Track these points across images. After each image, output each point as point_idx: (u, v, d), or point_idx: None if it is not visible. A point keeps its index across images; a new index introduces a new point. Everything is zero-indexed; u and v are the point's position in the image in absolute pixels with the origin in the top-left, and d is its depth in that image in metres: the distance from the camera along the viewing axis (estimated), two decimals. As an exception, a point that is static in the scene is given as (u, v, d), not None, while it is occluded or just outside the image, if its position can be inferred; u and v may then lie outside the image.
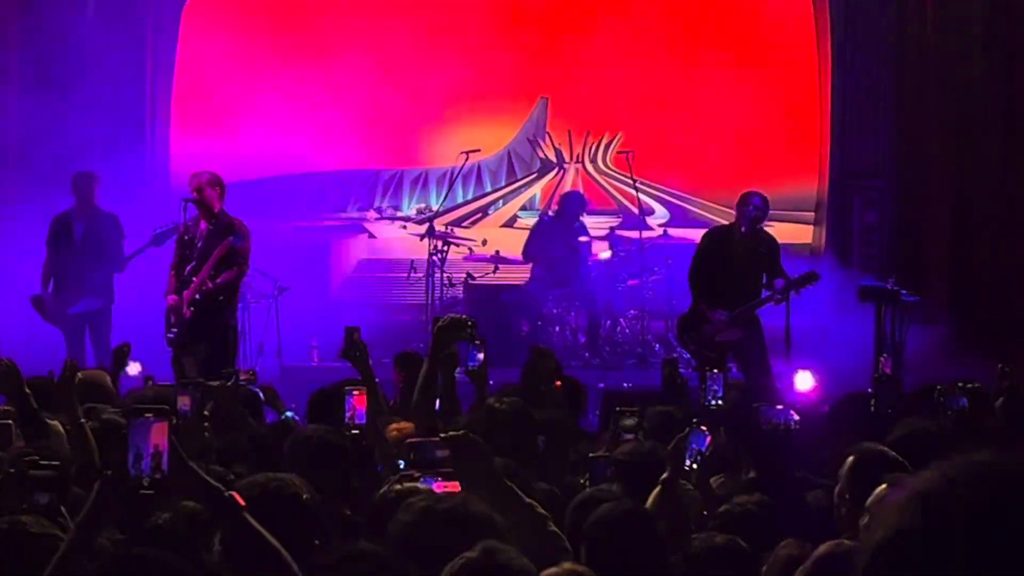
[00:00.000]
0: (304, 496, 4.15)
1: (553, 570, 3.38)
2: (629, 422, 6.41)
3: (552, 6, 15.54)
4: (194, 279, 10.65)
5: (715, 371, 7.61)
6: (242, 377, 8.42)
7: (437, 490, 4.33)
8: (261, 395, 8.44)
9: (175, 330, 10.70)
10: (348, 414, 6.10)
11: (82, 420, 6.10)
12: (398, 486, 4.27)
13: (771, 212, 11.72)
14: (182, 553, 3.82)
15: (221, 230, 10.73)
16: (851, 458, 4.87)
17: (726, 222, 12.31)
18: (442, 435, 4.59)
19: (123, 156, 13.46)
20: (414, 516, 3.68)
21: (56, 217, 12.29)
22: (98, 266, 12.01)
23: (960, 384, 7.26)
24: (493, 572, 3.11)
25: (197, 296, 10.63)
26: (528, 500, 4.40)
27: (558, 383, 8.23)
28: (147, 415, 3.54)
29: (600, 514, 4.32)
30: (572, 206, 13.81)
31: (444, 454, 4.39)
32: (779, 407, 5.54)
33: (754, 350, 10.79)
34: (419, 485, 4.27)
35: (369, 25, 15.33)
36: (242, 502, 3.72)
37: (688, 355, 11.70)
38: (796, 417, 5.51)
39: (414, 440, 4.64)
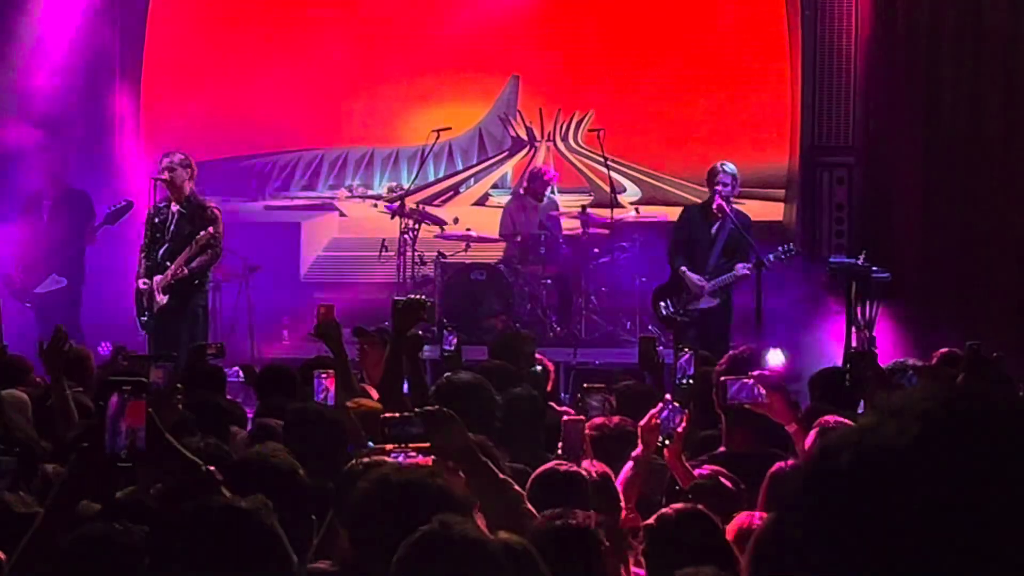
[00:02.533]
0: (300, 471, 4.16)
1: (503, 535, 3.40)
2: (597, 398, 6.44)
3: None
4: (168, 263, 10.64)
5: (687, 349, 7.65)
6: (209, 351, 8.42)
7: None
8: (241, 374, 8.44)
9: (147, 314, 10.70)
10: (320, 395, 6.10)
11: (67, 391, 6.10)
12: (366, 459, 4.27)
13: (742, 190, 11.83)
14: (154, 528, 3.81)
15: (192, 212, 10.73)
16: (815, 430, 4.90)
17: (697, 199, 12.42)
18: (417, 410, 4.59)
19: (91, 134, 13.38)
20: (371, 488, 3.69)
21: (28, 195, 12.26)
22: (65, 244, 11.98)
23: (911, 363, 7.28)
24: (448, 545, 3.12)
25: (172, 282, 10.62)
26: (503, 477, 4.41)
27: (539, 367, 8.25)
28: (124, 390, 3.53)
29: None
30: (539, 182, 13.85)
31: (419, 430, 4.39)
32: (746, 380, 5.55)
33: (718, 326, 10.88)
34: (387, 459, 4.27)
35: (341, 5, 15.27)
36: (220, 476, 3.72)
37: (660, 324, 11.71)
38: (764, 391, 5.52)
39: (388, 416, 4.64)
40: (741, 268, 10.97)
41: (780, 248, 11.21)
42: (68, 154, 12.40)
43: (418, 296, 6.62)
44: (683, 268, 11.01)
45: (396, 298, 6.54)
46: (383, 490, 3.62)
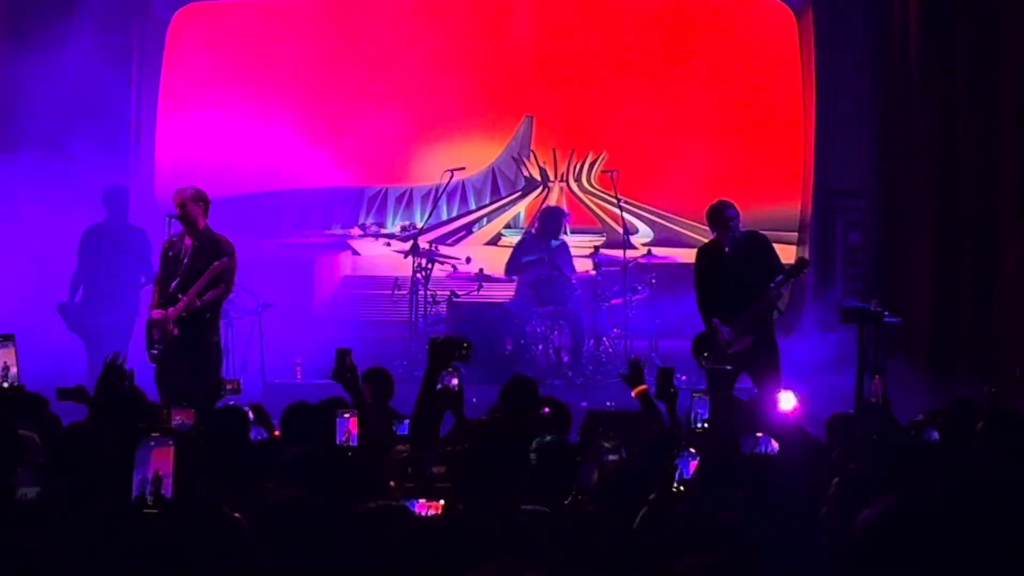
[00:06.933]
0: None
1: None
2: (609, 444, 6.40)
3: (537, 25, 15.56)
4: (180, 296, 10.58)
5: (701, 393, 7.62)
6: (227, 387, 8.38)
7: (419, 511, 4.31)
8: (250, 413, 8.39)
9: (159, 347, 10.64)
10: (342, 437, 6.08)
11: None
12: (373, 504, 4.26)
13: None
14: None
15: (206, 246, 10.67)
16: (836, 480, 4.88)
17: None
18: (441, 451, 4.57)
19: (107, 170, 13.41)
20: (401, 534, 3.68)
21: (88, 229, 12.44)
22: (121, 280, 12.15)
23: (932, 418, 7.24)
24: None
25: (184, 314, 10.57)
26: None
27: (546, 409, 8.20)
28: (152, 437, 3.53)
29: None
30: (552, 222, 13.80)
31: (440, 470, 4.38)
32: (758, 435, 5.54)
33: (763, 365, 10.70)
34: (393, 503, 4.25)
35: (355, 44, 15.33)
36: (245, 524, 3.71)
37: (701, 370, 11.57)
38: (776, 446, 5.51)
39: (410, 455, 4.62)
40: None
41: (779, 278, 10.95)
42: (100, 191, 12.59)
43: (456, 337, 6.56)
44: (714, 320, 10.83)
45: (433, 336, 6.53)
46: (405, 534, 3.61)
